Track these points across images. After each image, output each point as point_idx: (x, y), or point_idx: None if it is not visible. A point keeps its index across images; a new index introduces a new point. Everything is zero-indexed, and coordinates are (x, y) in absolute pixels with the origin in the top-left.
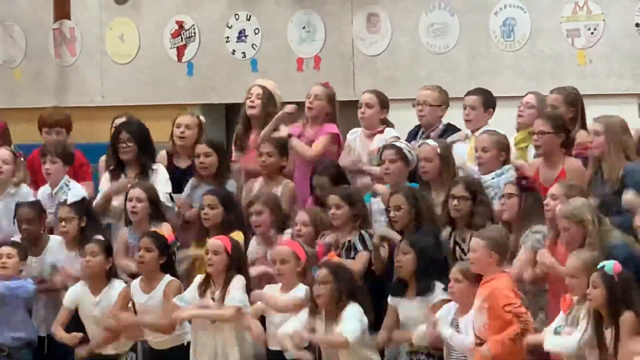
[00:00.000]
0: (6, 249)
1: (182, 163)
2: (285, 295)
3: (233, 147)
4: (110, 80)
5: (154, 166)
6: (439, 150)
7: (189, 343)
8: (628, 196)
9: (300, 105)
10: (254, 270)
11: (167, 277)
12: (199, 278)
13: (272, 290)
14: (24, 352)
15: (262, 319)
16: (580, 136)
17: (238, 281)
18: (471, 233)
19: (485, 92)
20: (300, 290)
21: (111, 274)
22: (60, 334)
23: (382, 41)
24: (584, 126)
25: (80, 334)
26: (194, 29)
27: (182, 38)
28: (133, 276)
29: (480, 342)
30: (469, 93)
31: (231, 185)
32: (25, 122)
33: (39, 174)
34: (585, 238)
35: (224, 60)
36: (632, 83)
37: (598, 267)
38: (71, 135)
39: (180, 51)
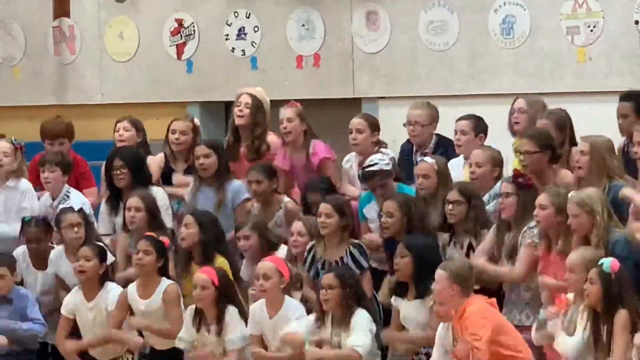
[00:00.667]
0: None
1: (179, 167)
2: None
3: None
4: (109, 78)
5: (153, 190)
6: (436, 167)
7: None
8: (625, 190)
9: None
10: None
11: (165, 282)
12: (189, 311)
13: (257, 307)
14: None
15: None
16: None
17: (232, 316)
18: (470, 238)
19: (476, 117)
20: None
21: (105, 278)
22: (65, 347)
23: (381, 39)
24: (573, 144)
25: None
26: (193, 26)
27: (181, 36)
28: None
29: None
30: (460, 118)
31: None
32: (24, 120)
33: (39, 179)
34: (592, 228)
35: (223, 58)
36: (631, 80)
37: (599, 263)
38: None
39: (180, 49)
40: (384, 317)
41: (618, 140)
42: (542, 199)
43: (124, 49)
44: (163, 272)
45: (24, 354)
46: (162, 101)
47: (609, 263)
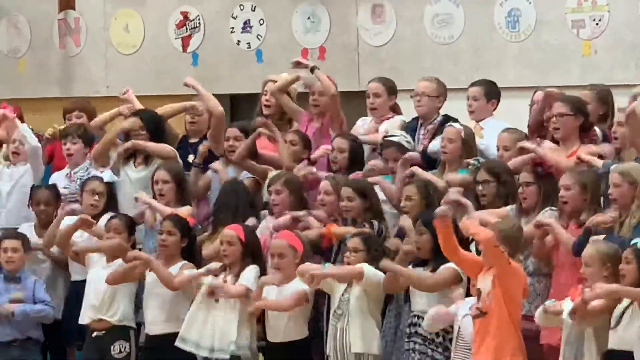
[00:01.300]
0: (11, 243)
1: (193, 139)
2: (285, 290)
3: None
4: (114, 70)
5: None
6: (462, 134)
7: None
8: None
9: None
10: (282, 220)
11: (181, 263)
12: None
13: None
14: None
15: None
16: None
17: (252, 269)
18: None
19: (488, 82)
20: (301, 284)
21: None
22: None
23: (386, 32)
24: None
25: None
26: (198, 19)
27: (186, 29)
28: None
29: (479, 314)
30: (472, 84)
31: None
32: (29, 113)
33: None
34: (633, 200)
35: (228, 51)
36: (636, 73)
37: (631, 243)
38: None
39: (185, 42)
40: None
41: None
42: (565, 179)
43: (129, 42)
44: (188, 253)
45: (28, 342)
46: (167, 94)
47: None
